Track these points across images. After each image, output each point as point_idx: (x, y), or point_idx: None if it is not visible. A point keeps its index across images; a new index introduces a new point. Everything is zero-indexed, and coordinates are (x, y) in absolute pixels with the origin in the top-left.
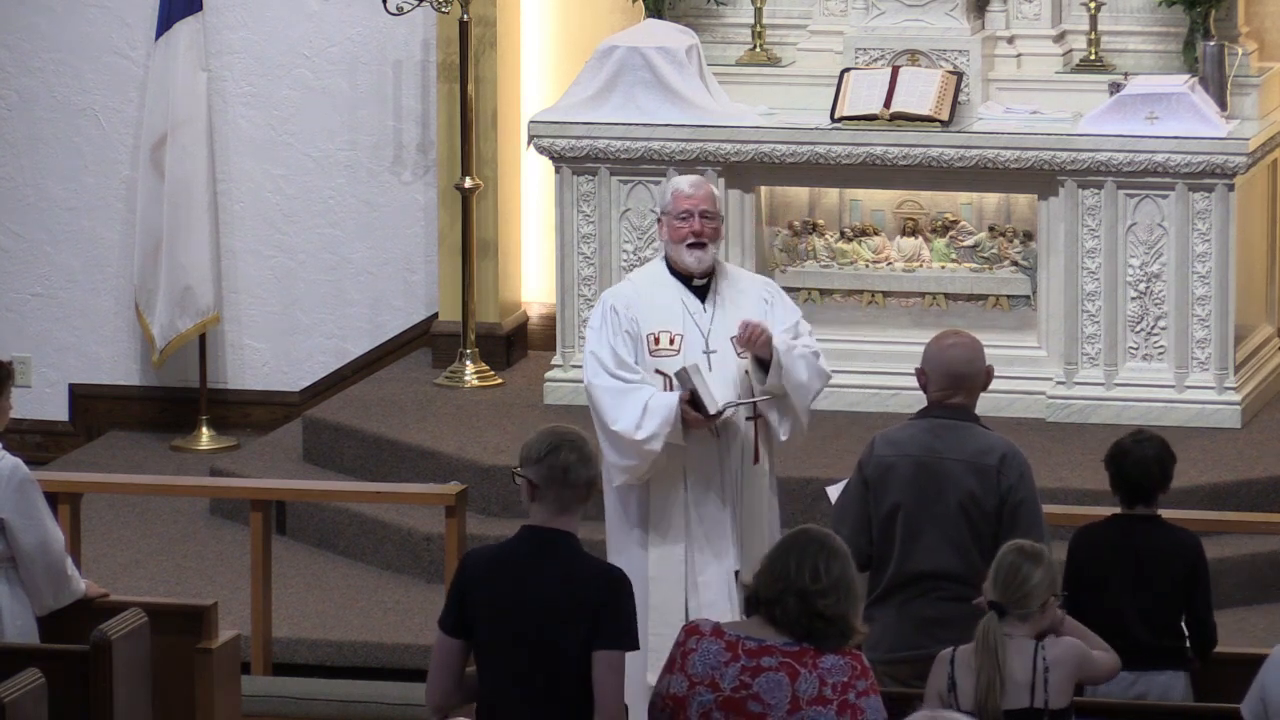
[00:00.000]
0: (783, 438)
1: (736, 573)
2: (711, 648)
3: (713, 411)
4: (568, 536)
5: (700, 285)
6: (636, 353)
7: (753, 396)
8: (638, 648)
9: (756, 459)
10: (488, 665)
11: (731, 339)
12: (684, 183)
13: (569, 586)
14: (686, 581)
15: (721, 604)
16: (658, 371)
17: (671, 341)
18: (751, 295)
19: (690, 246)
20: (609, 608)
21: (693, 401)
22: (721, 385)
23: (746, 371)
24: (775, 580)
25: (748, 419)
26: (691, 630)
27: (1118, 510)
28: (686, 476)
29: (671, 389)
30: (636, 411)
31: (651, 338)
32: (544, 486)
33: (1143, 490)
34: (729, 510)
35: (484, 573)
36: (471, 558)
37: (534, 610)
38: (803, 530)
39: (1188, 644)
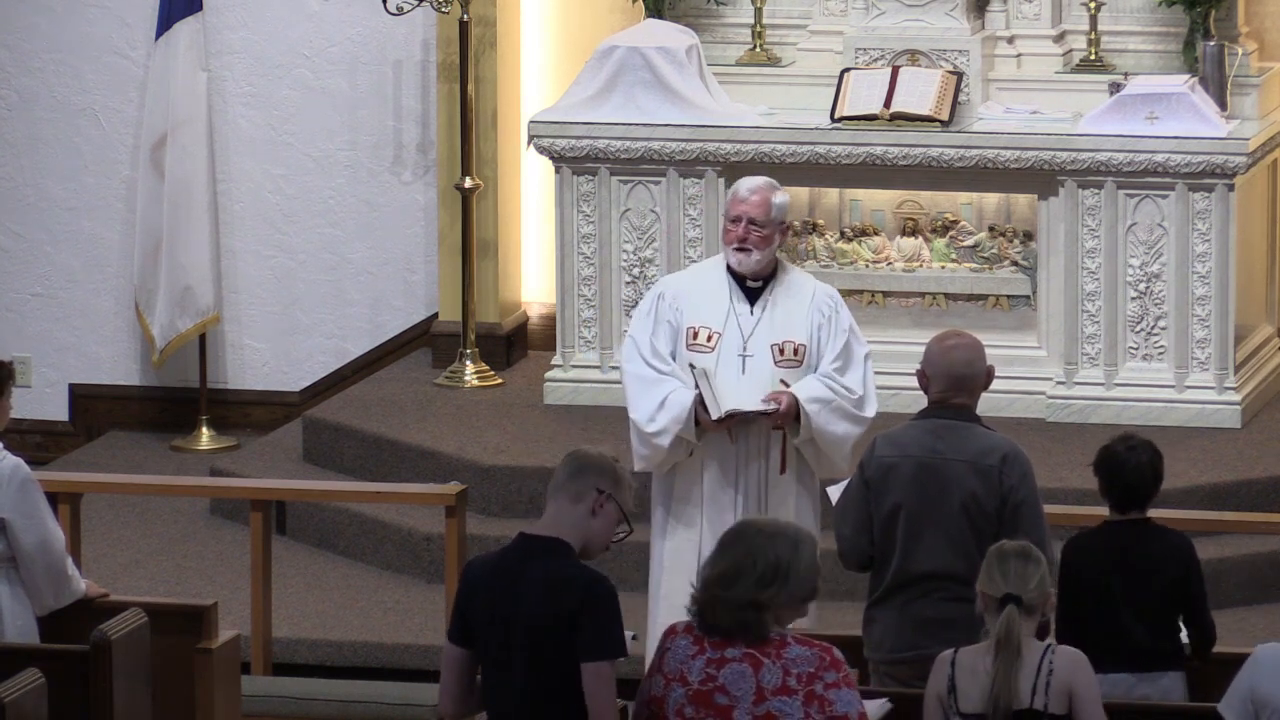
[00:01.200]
0: (819, 477)
1: None
2: (681, 643)
3: (714, 416)
4: (559, 544)
5: (754, 287)
6: (674, 344)
7: (762, 408)
8: (624, 654)
9: (784, 469)
10: (487, 673)
11: (772, 345)
12: (743, 187)
13: (550, 594)
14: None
15: None
16: (691, 366)
17: (709, 339)
18: (804, 305)
19: (735, 250)
20: (587, 617)
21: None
22: (750, 390)
23: (783, 381)
24: (703, 588)
25: (775, 428)
26: (669, 632)
27: (1108, 515)
28: (704, 476)
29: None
30: (653, 404)
31: (691, 331)
32: (550, 493)
33: (1138, 496)
34: (742, 514)
35: (481, 581)
36: (472, 566)
37: (521, 618)
38: (737, 527)
39: (1185, 644)
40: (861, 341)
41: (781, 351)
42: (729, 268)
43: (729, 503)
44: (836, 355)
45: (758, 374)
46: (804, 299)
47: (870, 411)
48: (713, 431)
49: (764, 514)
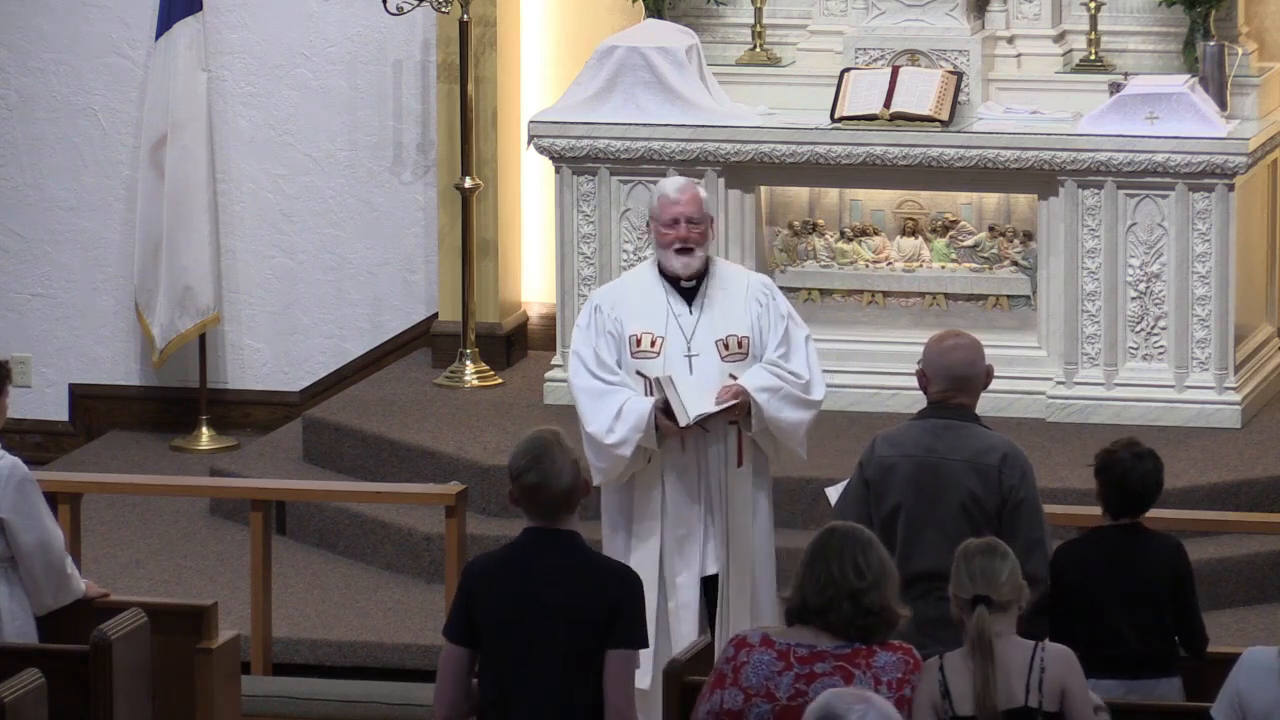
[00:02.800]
0: (775, 467)
1: (713, 576)
2: (763, 658)
3: (683, 424)
4: (570, 535)
5: (688, 287)
6: (619, 353)
7: (723, 406)
8: (649, 645)
9: (740, 462)
10: (498, 671)
11: (716, 341)
12: (670, 188)
13: (583, 586)
14: (663, 583)
15: (694, 606)
16: (638, 373)
17: (653, 344)
18: (741, 297)
19: (678, 252)
20: (625, 607)
21: (667, 410)
22: (700, 390)
23: (731, 375)
24: (822, 588)
25: (730, 422)
26: (740, 644)
27: (1100, 519)
28: (664, 480)
29: (651, 392)
30: (610, 415)
31: (634, 339)
32: (523, 502)
33: (1139, 503)
34: (706, 513)
35: (491, 579)
36: (476, 565)
37: (548, 612)
38: (830, 530)
39: (1180, 648)
40: (801, 325)
41: (726, 347)
42: (661, 271)
43: (692, 503)
44: (779, 342)
45: (706, 372)
46: (740, 291)
47: (818, 394)
48: (675, 437)
49: (727, 510)
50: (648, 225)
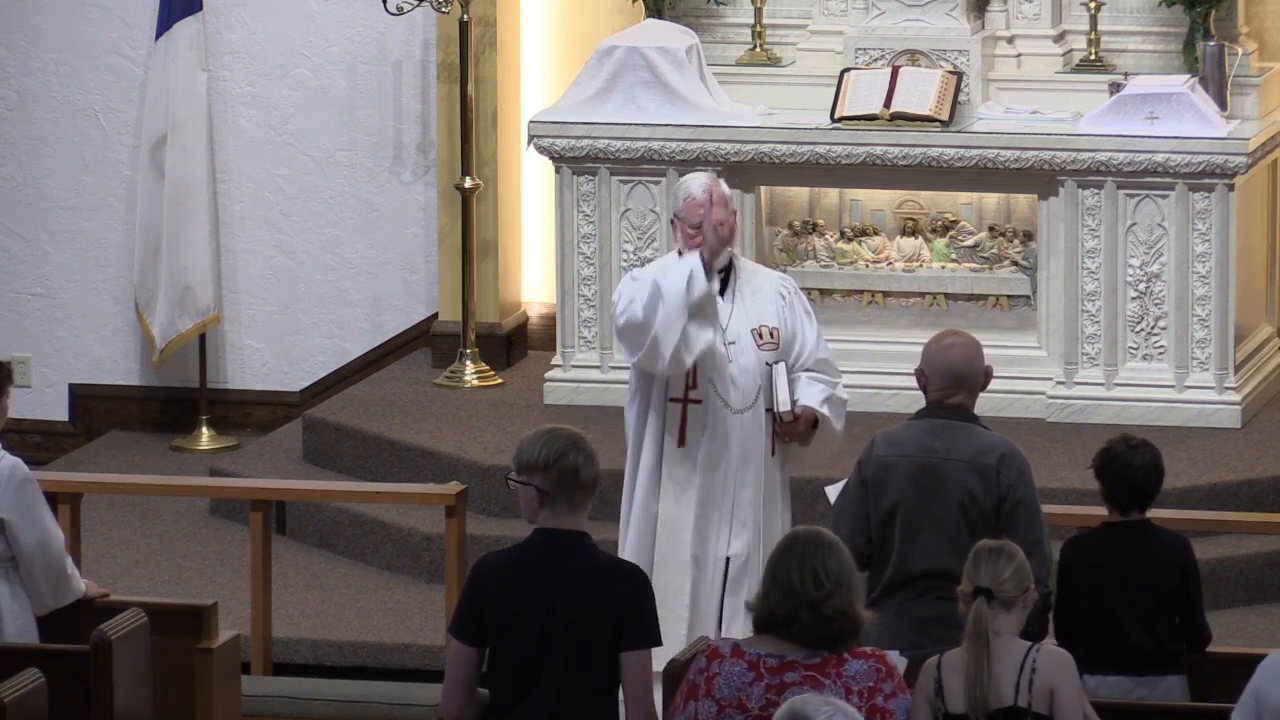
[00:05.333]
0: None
1: (729, 559)
2: (734, 669)
3: (785, 407)
4: (582, 536)
5: (720, 278)
6: None
7: (778, 396)
8: (662, 643)
9: (773, 452)
10: (508, 672)
11: (751, 330)
12: (696, 189)
13: (591, 587)
14: (692, 565)
15: (713, 587)
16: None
17: None
18: (767, 291)
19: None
20: (632, 607)
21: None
22: (740, 376)
23: (768, 364)
24: (784, 599)
25: (766, 410)
26: (712, 654)
27: (1107, 516)
28: (699, 460)
29: (693, 384)
30: (652, 274)
31: None
32: (555, 492)
33: (1142, 495)
34: (733, 499)
35: (501, 579)
36: (486, 565)
37: (557, 613)
38: (790, 538)
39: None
40: (816, 320)
41: (760, 336)
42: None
43: (722, 486)
44: (815, 340)
45: (742, 360)
46: (765, 284)
47: (844, 392)
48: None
49: (758, 496)
50: (673, 221)
